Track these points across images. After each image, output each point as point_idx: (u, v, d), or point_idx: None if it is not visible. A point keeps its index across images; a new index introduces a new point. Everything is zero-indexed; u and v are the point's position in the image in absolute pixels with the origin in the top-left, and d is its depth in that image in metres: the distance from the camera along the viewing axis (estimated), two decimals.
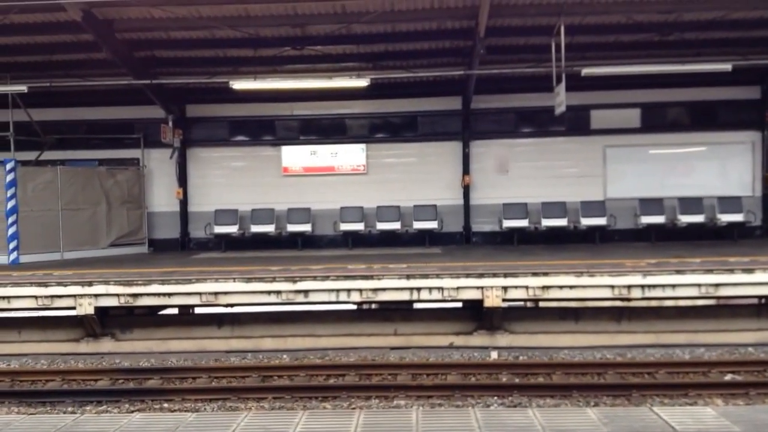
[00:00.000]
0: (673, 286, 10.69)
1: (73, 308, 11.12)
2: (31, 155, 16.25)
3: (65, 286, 11.10)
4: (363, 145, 17.27)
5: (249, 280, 11.06)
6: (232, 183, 17.48)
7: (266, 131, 17.67)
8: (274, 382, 9.50)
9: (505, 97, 16.83)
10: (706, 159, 16.89)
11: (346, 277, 11.03)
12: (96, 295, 11.04)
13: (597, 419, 5.24)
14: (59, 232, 15.31)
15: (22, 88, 13.85)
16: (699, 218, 16.12)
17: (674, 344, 10.88)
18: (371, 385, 9.10)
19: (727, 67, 13.20)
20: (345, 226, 16.64)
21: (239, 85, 14.36)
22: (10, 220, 14.47)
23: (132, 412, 8.32)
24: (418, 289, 10.90)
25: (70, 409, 8.58)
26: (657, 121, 16.97)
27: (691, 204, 16.24)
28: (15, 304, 11.23)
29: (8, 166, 14.50)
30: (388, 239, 16.63)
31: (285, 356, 10.81)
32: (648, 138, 16.82)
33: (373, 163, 17.25)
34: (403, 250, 15.59)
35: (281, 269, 11.84)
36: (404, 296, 11.01)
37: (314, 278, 11.00)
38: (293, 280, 10.96)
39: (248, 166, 17.56)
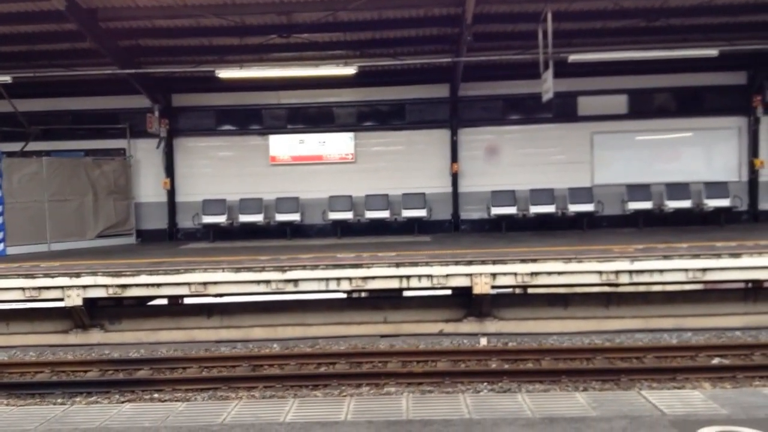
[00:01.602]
0: (661, 271, 10.75)
1: (62, 300, 11.06)
2: (16, 146, 16.08)
3: (53, 277, 11.04)
4: (351, 134, 17.24)
5: (238, 269, 11.03)
6: (219, 173, 17.40)
7: (253, 120, 17.59)
8: (265, 371, 9.51)
9: (492, 85, 16.83)
10: (692, 144, 16.95)
11: (336, 266, 11.03)
12: (84, 287, 10.98)
13: (586, 403, 5.28)
14: (46, 223, 15.21)
15: (6, 78, 13.73)
16: (686, 204, 16.23)
17: (662, 329, 10.98)
18: (362, 373, 9.12)
19: (713, 52, 13.27)
20: (334, 215, 16.62)
21: (225, 73, 14.28)
22: None
23: (122, 402, 8.31)
24: (408, 277, 10.93)
25: (59, 400, 8.56)
26: (644, 107, 17.01)
27: (678, 190, 16.34)
28: (2, 296, 11.14)
29: None
30: (377, 228, 16.63)
31: (275, 345, 10.82)
32: (635, 124, 16.88)
33: (362, 151, 17.22)
34: (392, 239, 15.61)
35: (270, 259, 11.83)
36: (394, 284, 11.03)
37: (304, 267, 10.99)
38: (282, 269, 10.94)
39: (236, 155, 17.48)
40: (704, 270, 10.74)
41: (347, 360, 9.68)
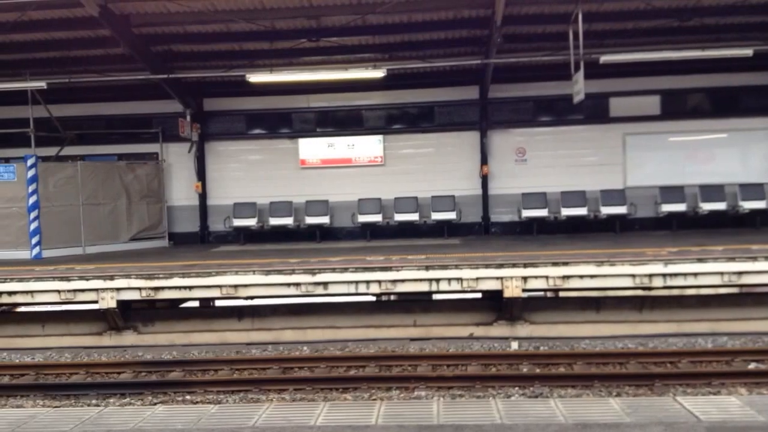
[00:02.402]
0: (695, 274, 10.57)
1: (96, 302, 11.21)
2: (51, 151, 16.37)
3: (87, 280, 11.20)
4: (380, 137, 17.24)
5: (268, 272, 11.09)
6: (250, 176, 17.53)
7: (283, 124, 17.70)
8: (295, 373, 9.55)
9: (522, 86, 16.72)
10: (727, 146, 16.66)
11: (365, 269, 11.03)
12: (118, 289, 11.12)
13: (620, 409, 5.21)
14: (80, 226, 15.46)
15: (41, 84, 13.99)
16: (721, 206, 15.93)
17: (696, 333, 10.79)
18: (391, 377, 9.11)
19: (747, 52, 13.02)
20: (363, 218, 16.64)
21: (256, 78, 14.39)
22: (32, 215, 14.63)
23: (155, 404, 8.39)
24: (437, 280, 10.87)
25: (94, 401, 8.68)
26: (677, 107, 16.76)
27: (712, 191, 16.06)
28: (38, 298, 11.35)
29: (29, 162, 14.66)
30: (406, 230, 16.61)
31: (305, 348, 10.85)
32: (668, 125, 16.63)
33: (391, 154, 17.21)
34: (422, 241, 15.56)
35: (300, 261, 11.87)
36: (423, 287, 10.98)
37: (333, 270, 11.01)
38: (312, 272, 10.97)
39: (266, 159, 17.60)
40: (740, 273, 10.53)
41: (377, 363, 9.66)
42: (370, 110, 17.49)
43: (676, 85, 16.50)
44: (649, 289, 10.91)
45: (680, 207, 16.06)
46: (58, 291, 11.20)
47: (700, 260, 10.64)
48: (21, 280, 11.31)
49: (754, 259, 10.56)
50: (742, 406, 5.25)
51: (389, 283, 10.93)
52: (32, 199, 14.64)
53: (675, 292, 11.46)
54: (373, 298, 12.30)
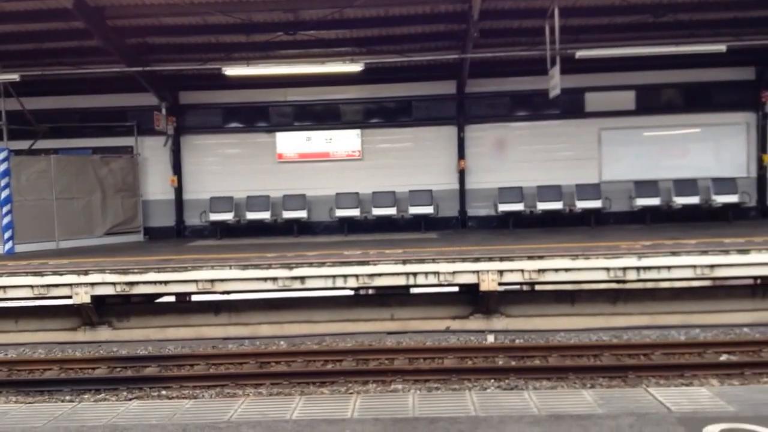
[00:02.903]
0: (669, 267, 10.72)
1: (70, 297, 11.12)
2: (24, 144, 16.19)
3: (61, 275, 11.09)
4: (358, 131, 17.24)
5: (245, 267, 11.06)
6: (226, 170, 17.44)
7: (260, 117, 17.61)
8: (272, 368, 9.53)
9: (499, 81, 16.80)
10: (700, 140, 16.87)
11: (343, 263, 11.04)
12: (92, 284, 11.03)
13: (593, 401, 5.26)
14: (54, 221, 15.28)
15: (14, 76, 13.77)
16: (694, 200, 16.16)
17: (670, 325, 10.94)
18: (368, 370, 9.13)
19: (721, 48, 13.16)
20: (341, 212, 16.63)
21: (232, 71, 14.29)
22: (5, 209, 14.43)
23: (130, 399, 8.35)
24: (415, 274, 10.92)
25: (68, 397, 8.61)
26: (652, 103, 16.94)
27: (686, 186, 16.28)
28: (11, 293, 11.21)
29: (1, 156, 14.44)
30: (384, 225, 16.63)
31: (282, 342, 10.84)
32: (643, 120, 16.80)
33: (368, 148, 17.21)
34: (399, 236, 15.60)
35: (277, 256, 11.85)
36: (401, 281, 11.03)
37: (310, 264, 11.01)
38: (289, 266, 10.96)
39: (243, 152, 17.51)
40: (712, 266, 10.70)
41: (354, 357, 9.68)
42: (347, 104, 17.47)
43: (650, 80, 16.67)
44: (623, 282, 11.04)
45: (654, 201, 16.26)
46: (32, 286, 11.09)
47: (673, 253, 10.78)
48: None
49: (726, 252, 10.73)
50: (712, 396, 5.33)
51: (367, 278, 10.95)
52: (4, 193, 14.43)
53: (649, 285, 11.62)
54: (351, 293, 12.30)
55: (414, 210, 16.53)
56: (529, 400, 5.34)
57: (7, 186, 14.45)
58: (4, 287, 11.13)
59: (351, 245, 13.43)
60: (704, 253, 10.76)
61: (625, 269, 10.74)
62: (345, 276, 10.97)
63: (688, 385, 8.25)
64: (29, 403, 7.87)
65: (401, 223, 16.66)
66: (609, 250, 11.07)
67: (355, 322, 11.52)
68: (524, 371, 8.90)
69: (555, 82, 13.21)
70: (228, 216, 16.79)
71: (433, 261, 10.94)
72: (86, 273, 11.07)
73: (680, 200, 16.13)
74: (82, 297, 11.03)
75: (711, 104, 16.77)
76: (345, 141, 17.21)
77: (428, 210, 16.50)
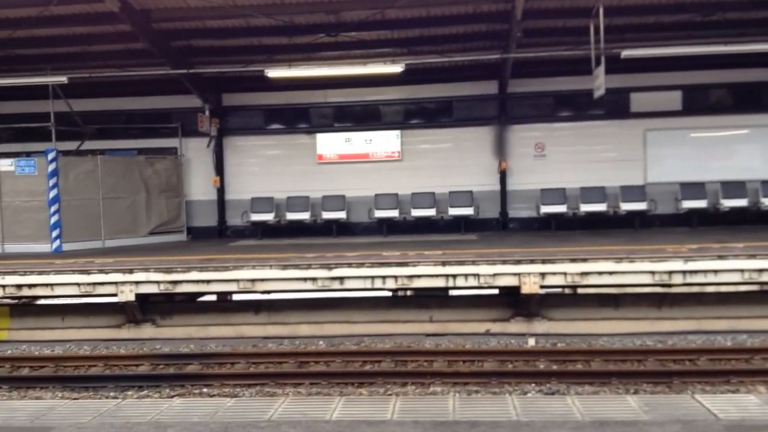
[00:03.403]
0: (715, 271, 10.44)
1: (115, 295, 11.31)
2: (71, 145, 16.53)
3: (107, 273, 11.29)
4: (397, 132, 17.22)
5: (285, 267, 11.12)
6: (267, 171, 17.60)
7: (301, 119, 17.73)
8: (311, 368, 9.56)
9: (542, 81, 16.61)
10: (749, 142, 16.46)
11: (382, 264, 11.02)
12: (137, 282, 11.20)
13: (637, 407, 5.15)
14: (100, 220, 15.60)
15: (62, 78, 14.08)
16: (742, 202, 15.76)
17: (716, 330, 10.68)
18: (407, 372, 9.10)
19: None
20: (380, 213, 16.64)
21: (274, 73, 14.40)
22: (53, 209, 14.78)
23: (172, 397, 8.45)
24: (454, 276, 10.84)
25: (112, 394, 8.75)
26: (699, 103, 16.57)
27: (733, 188, 15.87)
28: (58, 291, 11.46)
29: (50, 156, 14.80)
30: (423, 226, 16.57)
31: (321, 342, 10.88)
32: (690, 121, 16.45)
33: (408, 149, 17.18)
34: (439, 237, 15.53)
35: (317, 256, 11.89)
36: (440, 283, 10.95)
37: (349, 265, 11.01)
38: (329, 267, 10.99)
39: (283, 154, 17.64)
40: (760, 271, 10.39)
41: (393, 358, 9.66)
42: (387, 105, 17.47)
43: (698, 80, 16.31)
44: (669, 286, 10.81)
45: (701, 203, 15.90)
46: (78, 284, 11.31)
47: (720, 257, 10.51)
48: (41, 273, 11.43)
49: None
50: (761, 404, 5.18)
51: (405, 279, 10.91)
52: (53, 193, 14.78)
53: (695, 289, 11.33)
54: (389, 294, 12.29)
55: (454, 211, 16.44)
56: (572, 405, 5.25)
57: (55, 186, 14.80)
58: (51, 285, 11.38)
59: (390, 246, 13.41)
60: (752, 256, 10.47)
61: (670, 273, 10.49)
62: (384, 277, 10.94)
63: (734, 391, 8.04)
64: (75, 398, 8.05)
65: (440, 225, 16.58)
66: (654, 254, 10.84)
67: (394, 323, 11.48)
68: (566, 375, 8.76)
69: (600, 83, 12.99)
70: (268, 216, 16.94)
71: (473, 263, 10.84)
72: (131, 272, 11.25)
73: (728, 203, 15.75)
74: (127, 295, 11.21)
75: (760, 105, 16.32)
76: (384, 142, 17.20)
77: (468, 211, 16.40)
